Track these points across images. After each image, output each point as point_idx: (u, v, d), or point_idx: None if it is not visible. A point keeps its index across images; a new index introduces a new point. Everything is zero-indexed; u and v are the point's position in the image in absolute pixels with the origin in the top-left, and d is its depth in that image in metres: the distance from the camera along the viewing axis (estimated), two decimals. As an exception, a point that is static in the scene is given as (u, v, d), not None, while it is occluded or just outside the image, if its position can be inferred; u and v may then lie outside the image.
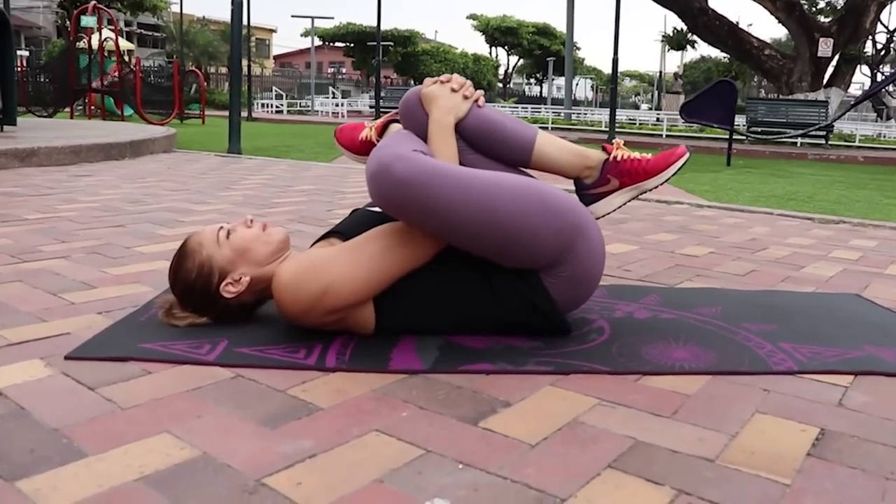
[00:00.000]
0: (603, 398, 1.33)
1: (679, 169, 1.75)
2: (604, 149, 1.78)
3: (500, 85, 51.47)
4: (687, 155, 1.76)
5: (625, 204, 1.77)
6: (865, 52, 23.53)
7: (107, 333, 1.58)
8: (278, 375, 1.38)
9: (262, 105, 27.47)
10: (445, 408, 1.26)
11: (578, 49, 49.01)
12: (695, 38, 21.24)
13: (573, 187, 1.82)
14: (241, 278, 1.59)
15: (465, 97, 1.72)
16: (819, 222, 3.96)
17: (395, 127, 1.82)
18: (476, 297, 1.56)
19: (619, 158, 1.75)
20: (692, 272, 2.47)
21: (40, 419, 1.18)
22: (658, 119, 19.56)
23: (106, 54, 15.61)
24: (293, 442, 1.12)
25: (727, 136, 10.36)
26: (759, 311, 1.92)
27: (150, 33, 41.22)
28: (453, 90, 1.71)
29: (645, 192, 1.76)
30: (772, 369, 1.50)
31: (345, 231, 1.62)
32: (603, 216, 1.78)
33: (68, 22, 19.90)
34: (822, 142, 14.93)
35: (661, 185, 1.77)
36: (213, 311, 1.62)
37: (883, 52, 31.25)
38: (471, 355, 1.49)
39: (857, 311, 2.02)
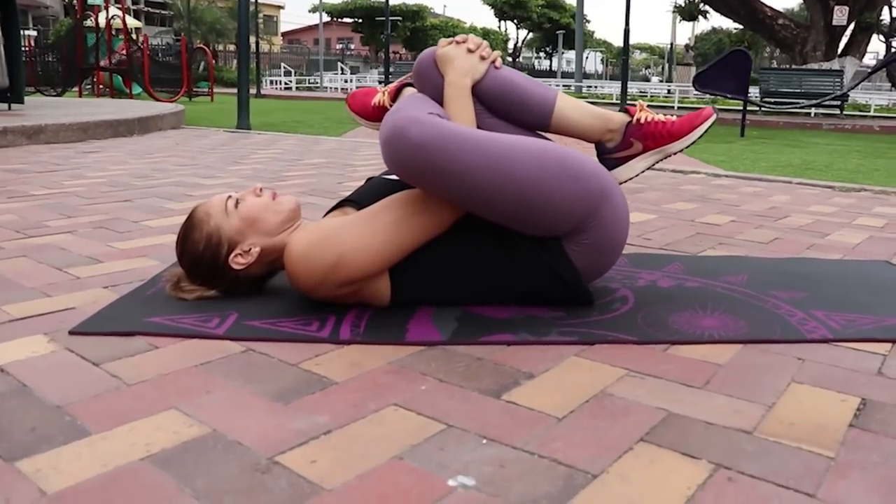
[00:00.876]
0: (631, 369, 1.27)
1: (705, 132, 1.67)
2: (626, 111, 1.70)
3: (510, 59, 51.03)
4: (714, 117, 1.68)
5: (648, 168, 1.70)
6: (882, 21, 23.15)
7: (112, 308, 1.53)
8: (291, 349, 1.32)
9: (271, 82, 27.31)
10: (466, 380, 1.20)
11: (588, 22, 48.41)
12: (707, 8, 20.96)
13: (595, 152, 1.75)
14: (250, 249, 1.53)
15: (482, 58, 1.64)
16: (840, 190, 3.87)
17: (409, 91, 1.75)
18: (496, 266, 1.50)
19: (642, 121, 1.67)
20: (714, 240, 2.39)
21: (43, 396, 1.13)
22: (669, 91, 19.32)
23: (113, 32, 15.53)
24: (307, 418, 1.07)
25: (740, 107, 10.19)
26: (787, 279, 1.85)
27: (157, 11, 41.01)
28: (469, 51, 1.64)
29: (669, 155, 1.68)
30: (806, 337, 1.43)
31: (359, 200, 1.56)
32: (625, 181, 1.70)
33: (75, 1, 19.78)
34: (837, 112, 14.70)
35: (686, 148, 1.70)
36: (221, 283, 1.56)
37: (898, 21, 30.73)
38: (491, 326, 1.43)
39: (889, 277, 1.95)
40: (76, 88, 15.42)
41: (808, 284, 1.81)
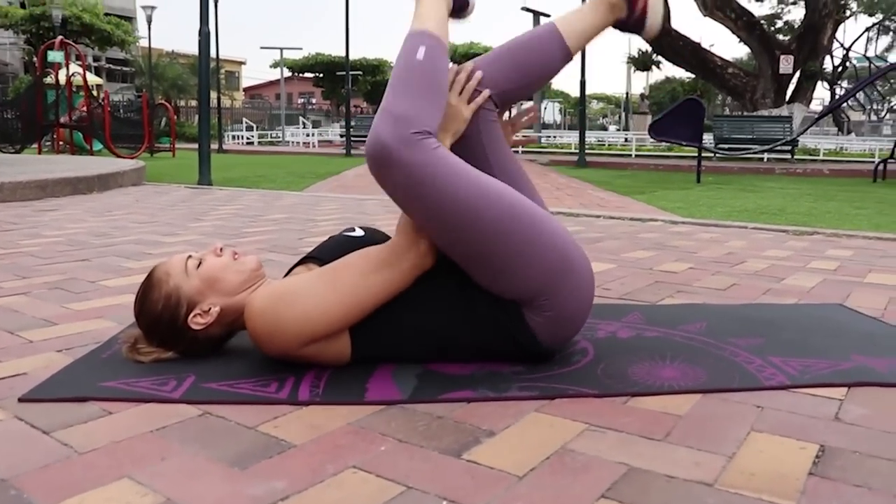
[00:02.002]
0: (591, 423, 1.27)
1: None
2: None
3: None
4: None
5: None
6: (825, 69, 23.98)
7: (65, 372, 1.49)
8: (249, 411, 1.30)
9: (233, 137, 27.31)
10: (426, 440, 1.19)
11: (546, 73, 49.36)
12: (660, 58, 21.54)
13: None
14: (210, 309, 1.51)
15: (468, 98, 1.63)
16: (794, 234, 3.95)
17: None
18: (456, 325, 1.49)
19: None
20: (673, 288, 2.42)
21: (-11, 469, 1.09)
22: (626, 139, 19.70)
23: (74, 89, 15.45)
24: (264, 483, 1.04)
25: (696, 154, 10.42)
26: (744, 325, 1.87)
27: (118, 68, 40.94)
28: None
29: None
30: (763, 385, 1.44)
31: (321, 256, 1.56)
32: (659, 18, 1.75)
33: (35, 58, 19.68)
34: (789, 156, 15.11)
35: None
36: (180, 344, 1.53)
37: (840, 69, 31.92)
38: (451, 383, 1.42)
39: (843, 320, 1.99)
40: (35, 145, 15.27)
41: (765, 330, 1.83)
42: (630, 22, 1.76)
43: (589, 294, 1.54)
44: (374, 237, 1.64)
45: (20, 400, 1.35)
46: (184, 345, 1.54)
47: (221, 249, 1.58)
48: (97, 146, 15.03)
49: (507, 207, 1.45)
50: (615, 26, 1.77)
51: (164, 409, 1.31)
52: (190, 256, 1.56)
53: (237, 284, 1.54)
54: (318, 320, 1.41)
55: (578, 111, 15.30)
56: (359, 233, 1.66)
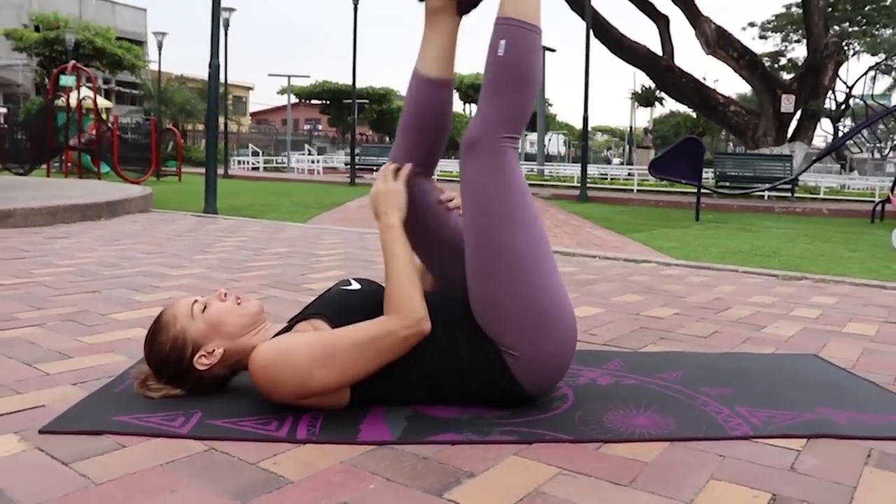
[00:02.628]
0: (564, 467, 1.38)
1: None
2: None
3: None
4: None
5: None
6: (827, 108, 24.27)
7: (81, 406, 1.61)
8: (250, 448, 1.42)
9: (239, 162, 27.59)
10: (412, 479, 1.31)
11: (550, 105, 49.89)
12: (662, 94, 21.81)
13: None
14: (214, 350, 1.63)
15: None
16: (782, 279, 4.07)
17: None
18: (442, 370, 1.61)
19: None
20: (656, 335, 2.54)
21: (13, 497, 1.20)
22: (629, 174, 19.91)
23: (84, 112, 15.69)
24: (264, 517, 1.16)
25: (696, 191, 10.57)
26: (718, 375, 1.99)
27: (128, 91, 41.42)
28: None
29: None
30: (728, 434, 1.56)
31: (328, 314, 1.64)
32: None
33: (47, 80, 19.97)
34: (789, 195, 15.26)
35: None
36: (186, 382, 1.65)
37: (843, 108, 32.20)
38: (438, 425, 1.54)
39: (815, 372, 2.10)
40: (44, 166, 15.48)
41: (738, 380, 1.95)
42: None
43: (567, 354, 1.65)
44: (369, 290, 1.75)
45: (41, 431, 1.47)
46: (190, 383, 1.65)
47: (226, 294, 1.71)
48: (104, 168, 15.24)
49: (534, 241, 1.62)
50: (458, 12, 1.79)
51: (173, 444, 1.43)
52: (196, 301, 1.68)
53: (240, 328, 1.66)
54: (314, 386, 1.53)
55: (581, 146, 15.49)
56: (355, 286, 1.77)
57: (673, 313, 2.94)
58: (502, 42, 1.64)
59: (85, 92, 16.10)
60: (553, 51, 25.76)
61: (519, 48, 1.64)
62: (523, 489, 1.28)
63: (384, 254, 1.66)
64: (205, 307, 1.66)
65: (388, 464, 1.37)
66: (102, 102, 18.88)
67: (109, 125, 15.67)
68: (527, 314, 1.58)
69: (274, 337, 1.63)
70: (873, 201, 12.43)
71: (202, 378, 1.65)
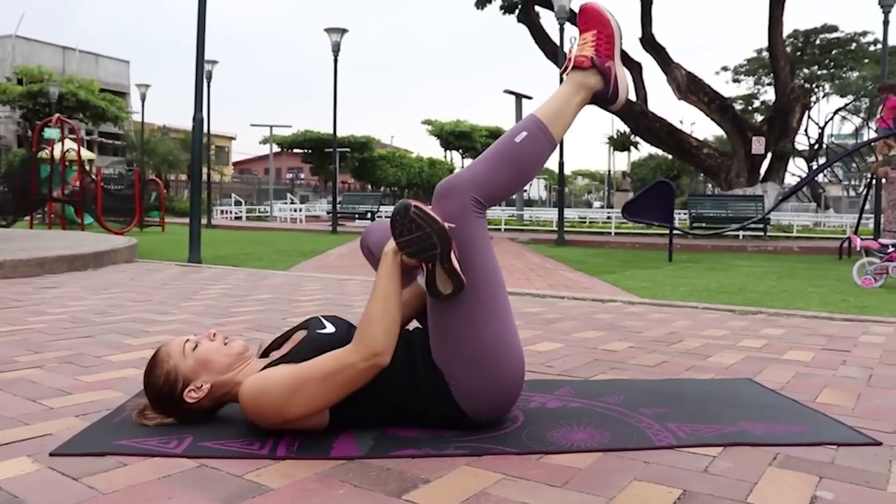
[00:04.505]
0: (508, 474, 1.60)
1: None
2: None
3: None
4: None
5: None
6: (799, 148, 24.93)
7: (85, 433, 1.82)
8: (236, 464, 1.63)
9: (222, 211, 27.83)
10: (376, 485, 1.52)
11: (531, 150, 50.39)
12: (637, 139, 22.38)
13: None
14: (202, 385, 1.84)
15: None
16: (739, 314, 4.33)
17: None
18: (406, 400, 1.84)
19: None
20: (608, 365, 2.77)
21: (34, 506, 1.41)
22: (608, 217, 20.32)
23: (67, 164, 15.91)
24: (248, 516, 1.37)
25: (669, 233, 10.89)
26: (656, 398, 2.22)
27: (110, 142, 41.75)
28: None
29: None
30: (654, 444, 1.78)
31: (298, 358, 1.81)
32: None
33: (30, 132, 20.26)
34: (762, 234, 15.67)
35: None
36: (178, 413, 1.86)
37: (816, 147, 32.99)
38: (401, 443, 1.76)
39: (746, 392, 2.33)
40: (27, 218, 15.64)
41: (673, 401, 2.18)
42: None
43: (510, 390, 1.86)
44: (343, 335, 1.91)
45: (51, 454, 1.68)
46: (180, 414, 1.87)
47: (215, 335, 1.93)
48: (88, 220, 15.42)
49: (494, 294, 1.83)
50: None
51: (168, 462, 1.64)
52: (188, 340, 1.90)
53: (225, 366, 1.88)
54: (291, 416, 1.74)
55: (557, 192, 15.87)
56: (329, 329, 1.97)
57: (627, 346, 3.18)
58: (524, 133, 1.90)
59: (69, 144, 16.37)
60: (530, 98, 26.38)
61: (533, 147, 1.90)
62: (471, 491, 1.50)
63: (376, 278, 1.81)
64: (195, 346, 1.88)
65: (356, 474, 1.59)
66: (86, 154, 19.14)
67: (93, 177, 15.89)
68: (472, 351, 1.81)
69: (260, 371, 1.84)
70: (842, 238, 12.82)
71: (191, 410, 1.86)
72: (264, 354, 2.02)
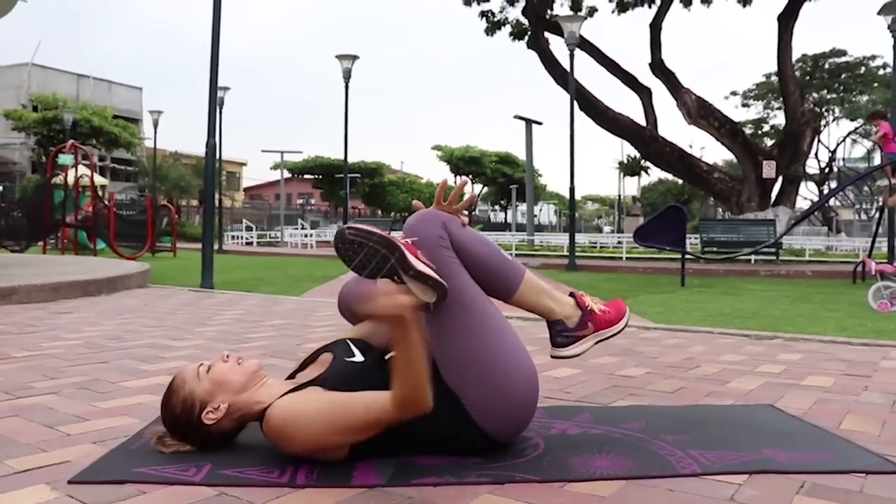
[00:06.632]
0: (531, 502, 1.58)
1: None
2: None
3: (466, 212, 52.82)
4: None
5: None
6: (810, 172, 24.89)
7: (104, 460, 1.81)
8: (256, 492, 1.61)
9: (233, 237, 27.94)
10: (398, 514, 1.50)
11: (540, 176, 50.78)
12: (648, 164, 22.41)
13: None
14: (219, 406, 1.82)
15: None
16: (754, 339, 4.29)
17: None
18: (422, 425, 1.81)
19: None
20: (626, 392, 2.75)
21: (54, 534, 1.39)
22: (619, 242, 20.29)
23: (80, 189, 16.04)
24: (270, 545, 1.35)
25: (681, 257, 10.85)
26: (677, 424, 2.19)
27: (123, 167, 42.10)
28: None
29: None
30: (678, 472, 1.76)
31: (333, 385, 1.80)
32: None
33: (44, 158, 20.44)
34: (774, 258, 15.59)
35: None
36: (197, 437, 1.84)
37: (827, 171, 32.93)
38: (422, 470, 1.74)
39: (766, 419, 2.30)
40: (40, 243, 15.74)
41: (694, 428, 2.15)
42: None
43: (525, 404, 1.87)
44: (374, 365, 1.89)
45: (70, 482, 1.66)
46: (200, 438, 1.85)
47: (228, 356, 1.92)
48: (100, 245, 15.50)
49: (483, 312, 1.86)
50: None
51: (187, 490, 1.62)
52: (202, 364, 1.90)
53: (241, 385, 1.86)
54: (321, 443, 1.72)
55: (568, 216, 15.87)
56: (359, 357, 1.93)
57: (644, 372, 3.15)
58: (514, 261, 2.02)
59: (82, 170, 16.51)
60: (540, 123, 26.45)
61: (509, 265, 2.00)
62: (494, 519, 1.48)
63: (396, 355, 1.66)
64: (209, 368, 1.87)
65: (378, 502, 1.57)
66: (99, 180, 19.30)
67: (106, 202, 16.01)
68: (478, 368, 1.82)
69: (286, 393, 1.80)
70: (856, 262, 12.75)
71: (211, 432, 1.84)
72: (291, 377, 2.01)
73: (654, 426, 2.16)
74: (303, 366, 2.04)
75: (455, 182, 48.74)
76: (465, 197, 1.98)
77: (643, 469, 1.78)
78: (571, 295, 2.08)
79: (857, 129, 32.23)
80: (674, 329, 4.69)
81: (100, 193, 17.71)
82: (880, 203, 12.87)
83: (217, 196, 21.51)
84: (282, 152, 37.60)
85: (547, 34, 20.18)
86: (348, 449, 1.78)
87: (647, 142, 20.12)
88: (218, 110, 16.81)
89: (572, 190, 14.56)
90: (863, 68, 33.13)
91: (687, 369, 3.24)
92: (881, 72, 31.86)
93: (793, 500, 1.62)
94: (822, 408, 2.52)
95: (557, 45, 20.36)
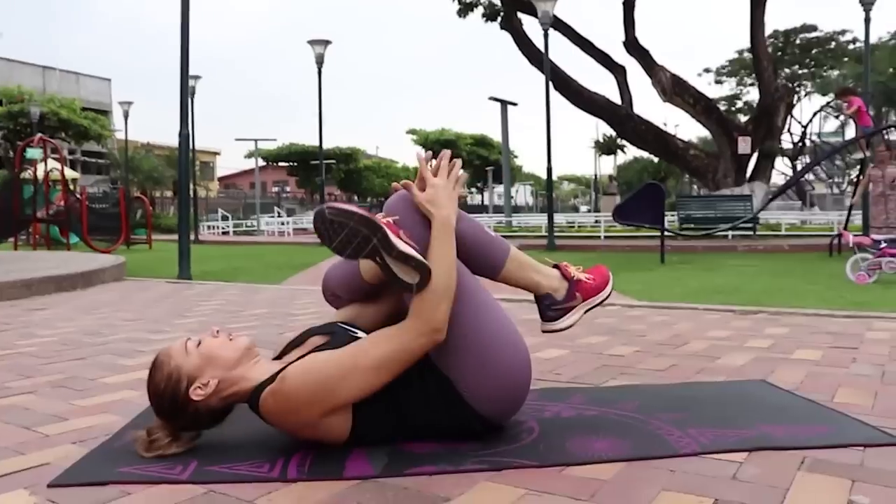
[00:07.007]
0: (531, 488, 1.53)
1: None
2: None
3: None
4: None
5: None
6: (782, 148, 25.05)
7: (84, 461, 1.74)
8: (247, 488, 1.55)
9: (209, 227, 27.64)
10: (394, 506, 1.45)
11: (516, 157, 50.73)
12: (623, 142, 22.45)
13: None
14: (209, 382, 1.73)
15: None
16: (739, 314, 4.28)
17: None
18: (417, 409, 1.77)
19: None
20: (617, 371, 2.71)
21: (35, 541, 1.33)
22: (596, 221, 20.32)
23: (51, 183, 15.76)
24: (263, 544, 1.30)
25: (660, 234, 10.88)
26: (672, 402, 2.16)
27: (94, 160, 41.46)
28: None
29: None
30: (678, 452, 1.72)
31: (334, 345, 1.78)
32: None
33: (12, 153, 20.05)
34: (751, 233, 15.69)
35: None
36: (183, 417, 1.74)
37: (800, 146, 33.21)
38: (416, 459, 1.69)
39: (760, 395, 2.28)
40: (11, 239, 15.45)
41: (690, 405, 2.12)
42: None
43: (518, 382, 1.82)
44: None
45: (50, 485, 1.59)
46: (187, 418, 1.75)
47: (218, 332, 1.85)
48: (73, 239, 15.26)
49: (473, 289, 1.81)
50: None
51: (174, 489, 1.56)
52: (189, 339, 1.81)
53: (233, 361, 1.78)
54: (341, 398, 1.67)
55: (546, 197, 15.84)
56: (361, 335, 1.88)
57: (633, 351, 3.12)
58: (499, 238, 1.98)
59: (52, 164, 16.21)
60: (515, 104, 26.39)
61: (492, 241, 1.95)
62: (494, 508, 1.43)
63: (433, 248, 1.75)
64: (198, 343, 1.79)
65: (373, 494, 1.51)
66: (69, 173, 18.95)
67: (78, 196, 15.74)
68: (472, 348, 1.76)
69: (283, 368, 1.73)
70: (831, 235, 12.85)
71: (199, 410, 1.74)
72: (278, 357, 1.94)
73: (649, 405, 2.13)
74: (287, 349, 1.96)
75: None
76: (460, 173, 1.92)
77: (642, 450, 1.74)
78: (556, 267, 2.04)
79: (828, 103, 32.47)
80: (658, 306, 4.67)
81: (71, 187, 17.41)
82: (853, 177, 12.98)
83: (192, 186, 21.28)
84: (256, 140, 37.26)
85: (520, 14, 20.06)
86: (349, 429, 1.72)
87: (622, 120, 20.13)
88: (190, 100, 16.59)
89: (549, 170, 14.54)
90: (833, 43, 33.35)
91: (675, 346, 3.22)
92: (851, 46, 32.10)
93: (795, 477, 1.59)
94: (814, 381, 2.50)
95: (531, 26, 20.29)
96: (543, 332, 2.04)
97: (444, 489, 1.54)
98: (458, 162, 1.94)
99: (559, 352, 3.08)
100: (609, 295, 2.07)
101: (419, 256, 1.71)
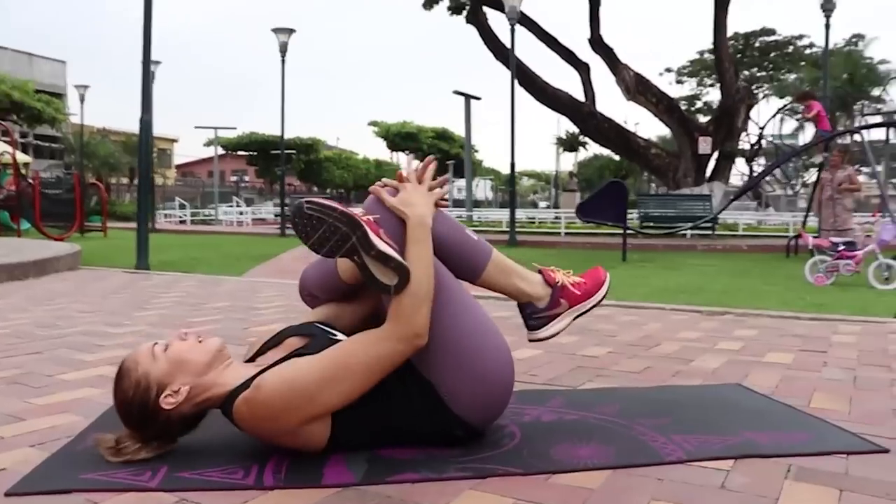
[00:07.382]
0: (518, 497, 1.49)
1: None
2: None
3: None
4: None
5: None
6: (742, 148, 25.44)
7: (45, 466, 1.64)
8: (221, 497, 1.48)
9: (166, 215, 27.15)
10: (378, 517, 1.39)
11: (477, 151, 50.67)
12: (586, 139, 22.59)
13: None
14: (179, 389, 1.64)
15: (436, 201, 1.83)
16: (706, 314, 4.30)
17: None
18: (400, 416, 1.71)
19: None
20: (593, 373, 2.68)
21: (-6, 555, 1.24)
22: (556, 217, 20.41)
23: (1, 167, 15.30)
24: (241, 559, 1.23)
25: (622, 233, 10.95)
26: (652, 407, 2.13)
27: (47, 144, 40.40)
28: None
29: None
30: (664, 460, 1.69)
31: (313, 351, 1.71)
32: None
33: (-40, 137, 19.38)
34: (710, 233, 15.89)
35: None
36: (154, 426, 1.65)
37: (757, 148, 33.79)
38: (396, 466, 1.63)
39: (738, 399, 2.27)
40: (-40, 226, 14.98)
41: (671, 410, 2.09)
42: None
43: (500, 385, 1.78)
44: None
45: (7, 494, 1.50)
46: (157, 427, 1.66)
47: (186, 334, 1.75)
48: (25, 225, 14.84)
49: (453, 289, 1.76)
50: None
51: (143, 497, 1.48)
52: (156, 343, 1.72)
53: (204, 365, 1.68)
54: (324, 404, 1.61)
55: (509, 192, 15.85)
56: (341, 337, 1.83)
57: (607, 352, 3.10)
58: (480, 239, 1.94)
59: (2, 147, 15.73)
60: (479, 99, 26.38)
61: (471, 241, 1.92)
62: (482, 519, 1.38)
63: (410, 250, 1.71)
64: (166, 347, 1.69)
65: (354, 503, 1.45)
66: (21, 157, 18.41)
67: (30, 180, 15.30)
68: (453, 350, 1.71)
69: (259, 373, 1.65)
70: (787, 236, 13.08)
71: (170, 418, 1.65)
72: (252, 359, 1.85)
73: (629, 410, 2.10)
74: (262, 350, 1.88)
75: (392, 159, 48.43)
76: (439, 179, 1.86)
77: (628, 457, 1.71)
78: (540, 272, 1.97)
79: (785, 106, 33.06)
80: (625, 305, 4.66)
81: (23, 171, 16.89)
82: (806, 180, 13.22)
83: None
84: (215, 128, 36.68)
85: (486, 9, 20.02)
86: (328, 435, 1.65)
87: (585, 118, 20.24)
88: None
89: (513, 165, 14.54)
90: (791, 47, 33.96)
91: (648, 347, 3.20)
92: (808, 51, 32.70)
93: (783, 486, 1.56)
94: (789, 385, 2.50)
95: (496, 21, 20.26)
96: (530, 340, 1.99)
97: (427, 497, 1.48)
98: (433, 163, 1.89)
99: (532, 352, 3.04)
100: (602, 299, 2.01)
101: (398, 257, 1.65)
